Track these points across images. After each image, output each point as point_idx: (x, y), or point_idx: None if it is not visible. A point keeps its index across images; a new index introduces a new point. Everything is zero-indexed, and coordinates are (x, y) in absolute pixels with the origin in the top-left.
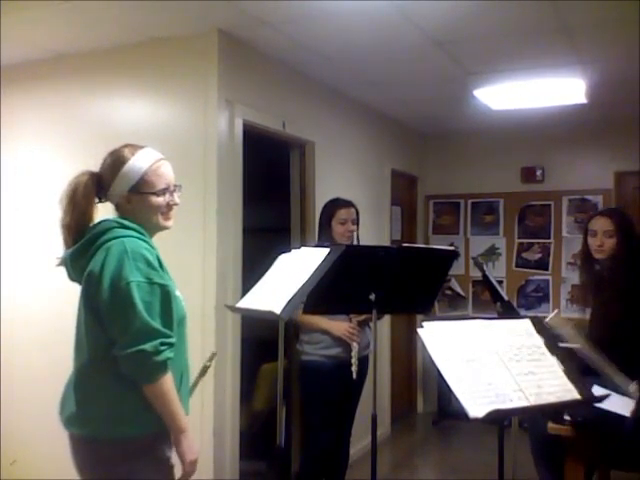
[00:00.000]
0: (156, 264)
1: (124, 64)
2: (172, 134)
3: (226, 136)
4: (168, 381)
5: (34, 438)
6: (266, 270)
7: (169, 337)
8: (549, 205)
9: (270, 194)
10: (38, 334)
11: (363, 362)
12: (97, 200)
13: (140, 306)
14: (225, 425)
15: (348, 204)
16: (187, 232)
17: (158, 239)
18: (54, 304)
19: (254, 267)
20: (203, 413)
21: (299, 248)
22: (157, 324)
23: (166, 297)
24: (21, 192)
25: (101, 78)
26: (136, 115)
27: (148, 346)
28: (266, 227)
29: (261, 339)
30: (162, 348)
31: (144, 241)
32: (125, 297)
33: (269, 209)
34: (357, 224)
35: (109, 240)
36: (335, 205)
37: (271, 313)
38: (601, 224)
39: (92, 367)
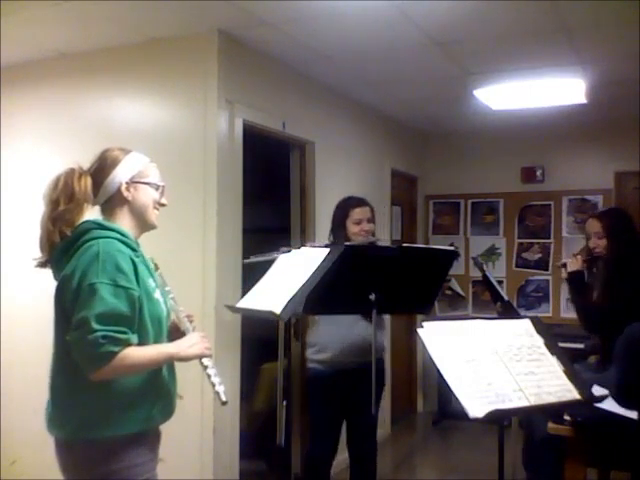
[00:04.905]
0: (126, 267)
1: (124, 64)
2: (172, 134)
3: (226, 136)
4: (124, 362)
5: (34, 438)
6: (266, 270)
7: (117, 332)
8: (549, 205)
9: (270, 194)
10: (38, 334)
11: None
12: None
13: (97, 307)
14: (225, 425)
15: (362, 203)
16: (187, 232)
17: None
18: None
19: (254, 267)
20: (203, 413)
21: (299, 248)
22: (97, 323)
23: (131, 300)
24: (21, 192)
25: (101, 78)
26: (136, 115)
27: (90, 338)
28: (266, 227)
29: (261, 339)
30: (102, 341)
31: (123, 242)
32: (87, 298)
33: (269, 209)
34: (374, 221)
35: (87, 241)
36: (348, 204)
37: (271, 313)
38: (592, 226)
39: (65, 369)
